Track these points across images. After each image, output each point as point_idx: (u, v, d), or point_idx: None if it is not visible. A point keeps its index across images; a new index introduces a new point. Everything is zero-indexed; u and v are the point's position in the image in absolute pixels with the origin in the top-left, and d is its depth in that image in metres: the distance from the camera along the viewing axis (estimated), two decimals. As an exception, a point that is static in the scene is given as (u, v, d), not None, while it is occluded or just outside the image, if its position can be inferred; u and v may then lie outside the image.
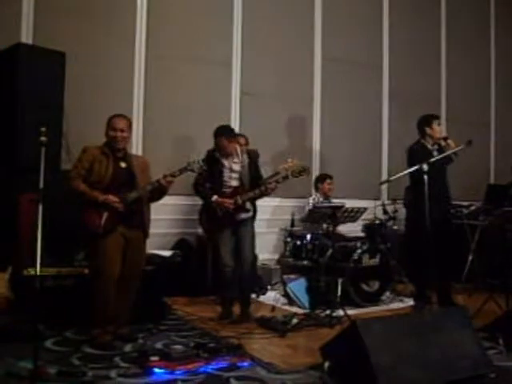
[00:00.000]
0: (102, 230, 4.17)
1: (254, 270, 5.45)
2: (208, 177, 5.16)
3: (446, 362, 3.39)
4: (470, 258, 6.64)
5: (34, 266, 3.42)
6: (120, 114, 4.45)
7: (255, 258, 6.51)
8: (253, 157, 5.30)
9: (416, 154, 5.36)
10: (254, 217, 5.34)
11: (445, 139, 5.45)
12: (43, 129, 3.57)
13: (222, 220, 5.17)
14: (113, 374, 3.57)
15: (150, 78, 6.54)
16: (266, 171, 5.79)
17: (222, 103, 7.04)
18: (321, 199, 6.81)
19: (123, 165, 4.36)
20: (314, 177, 7.15)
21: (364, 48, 8.16)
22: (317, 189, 7.00)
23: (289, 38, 7.50)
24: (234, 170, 5.21)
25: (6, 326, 4.11)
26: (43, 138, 3.57)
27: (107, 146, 4.36)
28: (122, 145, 4.37)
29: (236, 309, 5.25)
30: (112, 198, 4.19)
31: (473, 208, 7.18)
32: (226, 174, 5.20)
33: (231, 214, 5.12)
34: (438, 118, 5.70)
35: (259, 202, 6.05)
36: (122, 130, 4.33)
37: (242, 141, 5.97)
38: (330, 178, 6.99)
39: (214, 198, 5.13)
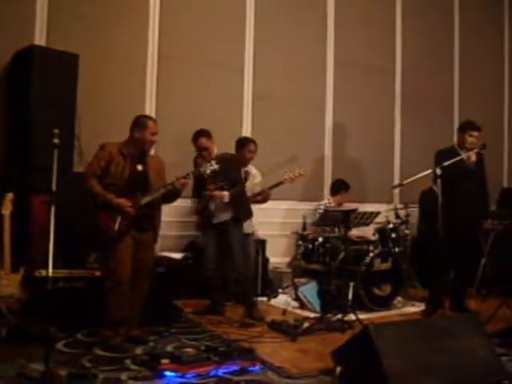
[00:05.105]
0: (116, 233, 4.18)
1: (248, 272, 5.43)
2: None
3: (458, 368, 3.35)
4: (483, 262, 6.58)
5: (46, 267, 3.42)
6: (150, 116, 4.56)
7: (267, 261, 6.51)
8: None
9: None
10: (238, 219, 5.29)
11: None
12: (56, 131, 3.57)
13: (203, 222, 5.38)
14: (124, 376, 3.57)
15: (163, 80, 6.53)
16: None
17: (234, 107, 7.00)
18: (332, 204, 6.73)
19: (140, 168, 4.35)
20: (329, 180, 7.24)
21: (376, 51, 8.10)
22: (334, 194, 6.89)
23: (301, 41, 7.46)
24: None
25: (17, 327, 4.11)
26: (56, 140, 3.55)
27: (127, 146, 4.34)
28: (151, 148, 4.50)
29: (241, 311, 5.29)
30: (125, 202, 4.19)
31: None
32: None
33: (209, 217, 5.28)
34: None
35: (269, 205, 6.06)
36: (157, 134, 4.42)
37: (252, 147, 5.96)
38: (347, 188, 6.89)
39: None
